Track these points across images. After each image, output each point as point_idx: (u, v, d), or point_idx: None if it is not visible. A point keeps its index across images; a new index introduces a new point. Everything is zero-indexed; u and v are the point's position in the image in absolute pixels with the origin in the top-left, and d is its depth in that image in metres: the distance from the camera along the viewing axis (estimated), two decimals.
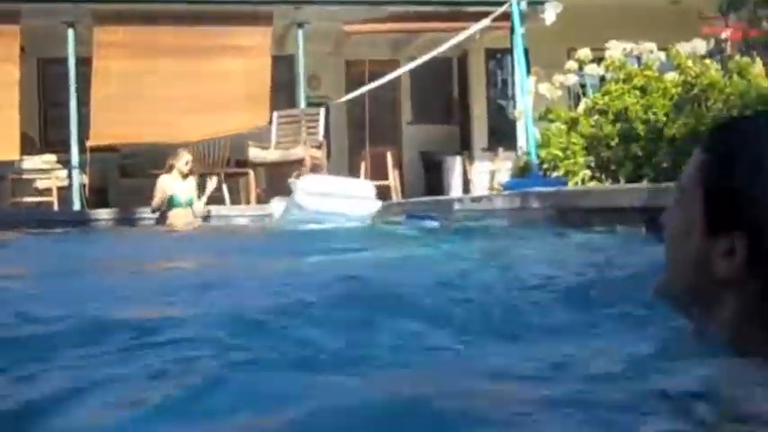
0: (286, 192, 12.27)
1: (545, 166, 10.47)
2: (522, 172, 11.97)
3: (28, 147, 12.08)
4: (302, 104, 12.62)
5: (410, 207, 11.13)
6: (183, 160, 10.17)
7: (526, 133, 12.67)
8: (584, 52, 10.15)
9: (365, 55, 14.64)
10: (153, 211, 10.24)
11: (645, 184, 7.78)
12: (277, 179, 12.41)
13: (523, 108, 12.00)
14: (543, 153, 10.43)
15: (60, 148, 12.34)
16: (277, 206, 9.88)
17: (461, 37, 12.39)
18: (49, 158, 12.00)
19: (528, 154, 11.77)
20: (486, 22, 12.37)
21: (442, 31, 13.16)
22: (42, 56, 13.51)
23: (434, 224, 7.92)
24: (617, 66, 9.29)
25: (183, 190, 10.17)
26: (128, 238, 8.60)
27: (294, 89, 14.03)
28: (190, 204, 10.18)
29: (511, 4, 12.26)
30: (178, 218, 9.99)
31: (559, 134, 9.87)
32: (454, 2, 13.10)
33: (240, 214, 10.91)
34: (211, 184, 10.43)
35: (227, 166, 12.32)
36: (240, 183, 12.60)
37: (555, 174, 10.62)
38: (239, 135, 12.06)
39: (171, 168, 10.18)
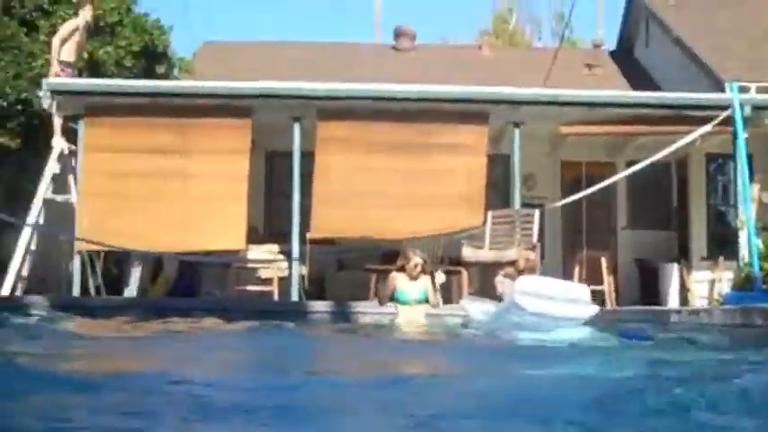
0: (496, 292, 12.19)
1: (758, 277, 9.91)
2: (744, 284, 11.38)
3: (253, 236, 12.49)
4: (517, 205, 12.52)
5: (625, 315, 10.76)
6: (413, 263, 10.33)
7: (749, 243, 12.12)
8: None
9: (581, 156, 14.47)
10: (381, 304, 10.52)
11: None
12: (489, 279, 12.33)
13: (746, 216, 11.46)
14: (767, 265, 9.89)
15: (281, 238, 12.72)
16: (471, 307, 9.79)
17: (682, 143, 12.05)
18: (271, 248, 12.36)
19: (750, 265, 11.17)
20: (708, 128, 12.00)
21: (660, 134, 12.84)
22: (269, 148, 14.08)
23: (648, 343, 7.59)
24: None
25: (414, 289, 10.34)
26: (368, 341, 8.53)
27: (508, 188, 13.99)
28: (421, 302, 10.30)
29: (734, 110, 11.87)
30: (405, 314, 10.16)
31: None
32: (675, 105, 12.73)
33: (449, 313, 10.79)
34: (439, 277, 10.54)
35: (440, 263, 12.32)
36: (453, 281, 12.55)
37: None
38: (454, 233, 12.08)
39: (401, 268, 10.41)
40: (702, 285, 14.23)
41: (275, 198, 14.70)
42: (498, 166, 13.58)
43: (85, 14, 12.90)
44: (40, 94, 12.34)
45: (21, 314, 9.26)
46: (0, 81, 13.41)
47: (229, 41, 20.93)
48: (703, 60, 15.05)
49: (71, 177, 12.53)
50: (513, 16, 31.53)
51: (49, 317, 8.50)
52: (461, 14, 62.03)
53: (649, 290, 14.21)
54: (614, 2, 45.94)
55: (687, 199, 15.19)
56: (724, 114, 11.99)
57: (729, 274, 12.58)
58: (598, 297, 10.85)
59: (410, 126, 12.45)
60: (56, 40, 12.50)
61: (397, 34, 20.78)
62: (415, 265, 10.29)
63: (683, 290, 14.16)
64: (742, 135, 11.88)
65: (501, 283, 10.61)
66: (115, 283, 12.57)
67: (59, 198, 12.43)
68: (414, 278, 10.36)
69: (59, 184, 12.49)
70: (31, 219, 11.99)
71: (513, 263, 11.53)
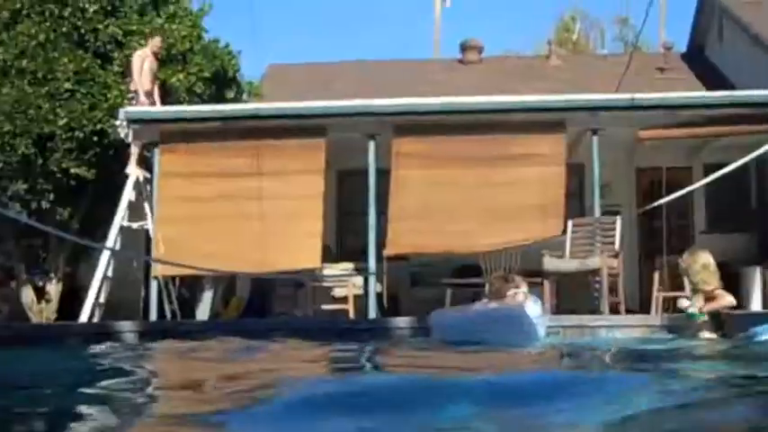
0: (578, 302, 11.97)
1: None
2: None
3: (327, 255, 12.49)
4: (596, 213, 12.31)
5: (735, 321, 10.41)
6: (511, 292, 8.92)
7: None
8: None
9: (657, 162, 14.21)
10: None
11: None
12: (572, 289, 12.13)
13: None
14: None
15: (355, 256, 12.71)
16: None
17: None
18: (346, 266, 12.35)
19: None
20: None
21: (743, 134, 12.54)
22: (341, 167, 14.10)
23: None
24: None
25: None
26: None
27: (584, 197, 13.80)
28: None
29: None
30: None
31: None
32: (757, 103, 12.41)
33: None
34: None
35: (517, 274, 12.14)
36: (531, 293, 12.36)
37: None
38: (532, 244, 11.91)
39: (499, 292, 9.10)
40: None
41: (347, 217, 14.72)
42: (573, 175, 13.40)
43: (154, 44, 13.12)
44: (116, 123, 12.55)
45: (110, 340, 9.34)
46: (76, 113, 13.65)
47: (294, 63, 21.09)
48: None
49: (146, 205, 12.69)
50: (576, 24, 31.27)
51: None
52: (521, 26, 61.92)
53: (731, 294, 13.82)
54: (676, 4, 45.33)
55: (767, 199, 14.81)
56: None
57: None
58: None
59: (485, 138, 12.34)
60: (136, 74, 12.71)
61: (464, 47, 20.70)
62: (514, 294, 8.79)
63: (766, 293, 13.79)
64: None
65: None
66: (187, 307, 12.67)
67: (135, 225, 12.60)
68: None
69: (135, 211, 12.67)
70: (108, 245, 12.16)
71: (596, 272, 11.33)
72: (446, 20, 37.51)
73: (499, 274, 10.11)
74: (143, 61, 12.86)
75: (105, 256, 12.20)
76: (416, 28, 54.25)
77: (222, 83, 15.43)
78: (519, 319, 7.90)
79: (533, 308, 8.13)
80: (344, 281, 12.11)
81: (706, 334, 8.22)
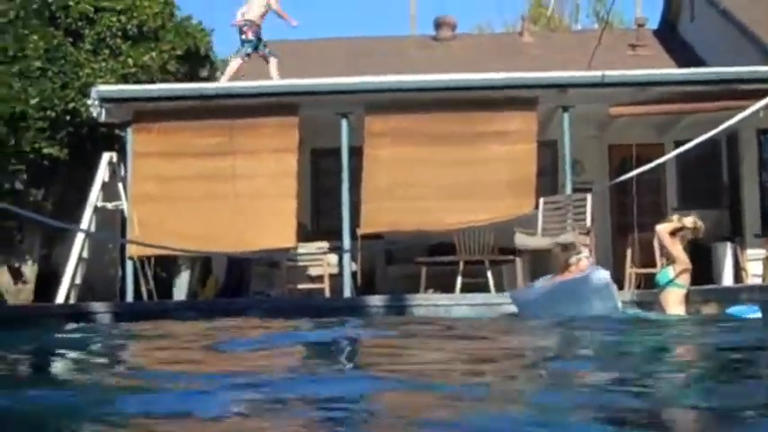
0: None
1: None
2: None
3: (301, 234, 12.52)
4: (568, 190, 12.40)
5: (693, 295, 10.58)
6: (574, 258, 8.85)
7: None
8: None
9: (628, 138, 14.29)
10: None
11: None
12: (543, 265, 12.24)
13: None
14: None
15: (330, 235, 12.74)
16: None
17: (740, 117, 11.83)
18: (321, 245, 12.39)
19: None
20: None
21: (713, 111, 12.63)
22: (315, 146, 14.10)
23: (757, 314, 7.48)
24: None
25: None
26: None
27: (556, 174, 13.88)
28: None
29: None
30: None
31: None
32: (727, 80, 12.53)
33: None
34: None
35: (491, 252, 12.26)
36: (504, 270, 12.49)
37: None
38: (504, 221, 12.00)
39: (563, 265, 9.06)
40: (756, 264, 14.05)
41: (322, 195, 14.74)
42: (545, 152, 13.47)
43: None
44: (89, 102, 12.47)
45: (84, 321, 9.37)
46: (48, 92, 13.56)
47: (269, 40, 20.95)
48: (753, 33, 14.76)
49: (120, 185, 12.66)
50: (551, 0, 31.28)
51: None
52: (495, 1, 61.79)
53: (703, 270, 14.01)
54: None
55: (739, 176, 14.97)
56: None
57: None
58: (652, 279, 10.70)
59: (458, 116, 12.39)
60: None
61: (438, 24, 20.64)
62: (578, 261, 8.87)
63: (737, 269, 13.97)
64: None
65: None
66: (164, 287, 12.69)
67: (110, 205, 12.57)
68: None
69: (109, 191, 12.64)
70: (83, 226, 12.14)
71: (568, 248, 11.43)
72: None
73: (556, 244, 10.15)
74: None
75: (80, 238, 12.19)
76: (392, 3, 54.01)
77: (195, 61, 15.38)
78: (594, 289, 8.11)
79: (601, 273, 8.33)
80: (319, 260, 12.15)
81: (676, 308, 8.35)
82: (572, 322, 7.34)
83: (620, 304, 8.49)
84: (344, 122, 12.43)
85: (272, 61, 12.96)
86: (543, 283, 9.27)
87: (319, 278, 12.04)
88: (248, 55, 12.90)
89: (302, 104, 12.42)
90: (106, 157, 12.57)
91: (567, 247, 9.28)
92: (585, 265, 8.76)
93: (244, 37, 12.82)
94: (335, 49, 19.17)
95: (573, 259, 8.81)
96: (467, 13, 47.95)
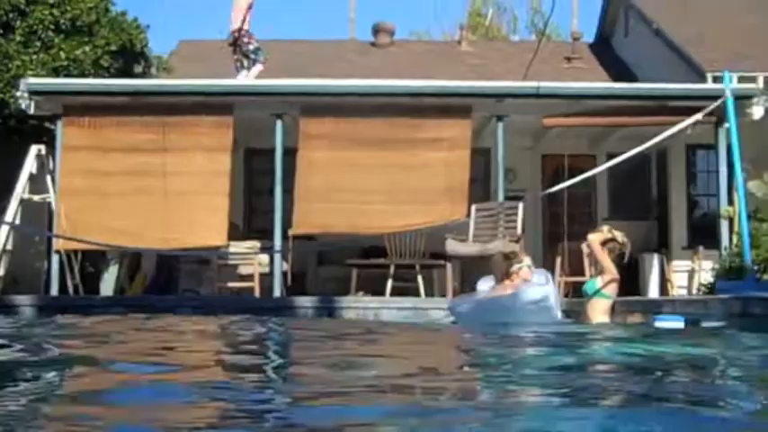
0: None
1: (754, 267, 9.94)
2: (728, 273, 11.43)
3: (233, 233, 12.44)
4: (500, 198, 12.51)
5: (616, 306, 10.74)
6: (515, 267, 8.90)
7: (733, 233, 12.15)
8: None
9: (562, 149, 14.48)
10: None
11: None
12: (473, 272, 12.32)
13: (738, 206, 11.50)
14: (753, 254, 9.93)
15: (262, 235, 12.70)
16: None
17: (669, 133, 12.09)
18: (252, 245, 12.32)
19: (740, 255, 11.22)
20: (698, 116, 12.03)
21: (644, 125, 12.87)
22: (249, 146, 14.02)
23: (681, 325, 7.57)
24: None
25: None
26: None
27: (489, 182, 14.02)
28: None
29: (725, 99, 11.92)
30: None
31: None
32: (659, 96, 12.76)
33: None
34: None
35: (422, 257, 12.31)
36: (435, 275, 12.55)
37: (767, 277, 10.07)
38: (436, 226, 12.06)
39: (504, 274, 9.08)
40: (682, 275, 14.35)
41: (255, 195, 14.69)
42: (479, 160, 13.59)
43: None
44: (18, 94, 12.24)
45: (5, 314, 9.17)
46: None
47: (206, 40, 20.80)
48: (684, 51, 15.09)
49: (48, 178, 12.45)
50: (489, 10, 31.60)
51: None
52: (434, 10, 62.30)
53: (630, 280, 14.25)
54: None
55: (668, 189, 15.28)
56: (715, 104, 12.01)
57: (709, 264, 12.66)
58: (580, 288, 10.85)
59: (393, 121, 12.42)
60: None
61: (376, 30, 20.71)
62: (519, 269, 8.87)
63: (664, 280, 14.25)
64: (734, 124, 11.90)
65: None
66: (92, 281, 12.49)
67: (37, 197, 12.35)
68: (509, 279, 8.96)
69: (37, 184, 12.42)
70: (7, 218, 11.91)
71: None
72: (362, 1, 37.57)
73: (498, 253, 10.16)
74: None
75: (4, 230, 11.95)
76: (333, 7, 54.06)
77: (130, 57, 15.17)
78: (523, 305, 8.15)
79: (531, 290, 8.34)
80: (250, 259, 12.08)
81: (601, 318, 8.46)
82: (499, 334, 7.30)
83: (558, 314, 8.54)
84: (279, 123, 12.39)
85: (257, 68, 12.94)
86: (484, 285, 9.34)
87: (249, 277, 11.96)
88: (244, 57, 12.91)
89: (237, 104, 12.35)
90: (34, 149, 12.34)
91: (509, 256, 9.32)
92: (528, 274, 8.81)
93: (252, 47, 12.89)
94: (274, 51, 19.07)
95: (515, 267, 8.85)
96: (405, 21, 48.26)
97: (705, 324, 7.55)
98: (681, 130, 12.28)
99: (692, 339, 6.35)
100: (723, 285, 9.53)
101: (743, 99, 12.33)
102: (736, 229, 11.71)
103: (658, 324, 7.73)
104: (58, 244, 11.82)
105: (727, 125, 12.05)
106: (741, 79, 13.05)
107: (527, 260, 9.03)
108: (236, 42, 12.87)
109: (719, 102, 11.80)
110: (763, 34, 16.09)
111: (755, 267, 9.64)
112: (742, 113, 12.44)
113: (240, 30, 12.80)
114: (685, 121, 12.14)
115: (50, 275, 11.89)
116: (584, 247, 9.29)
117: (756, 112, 12.60)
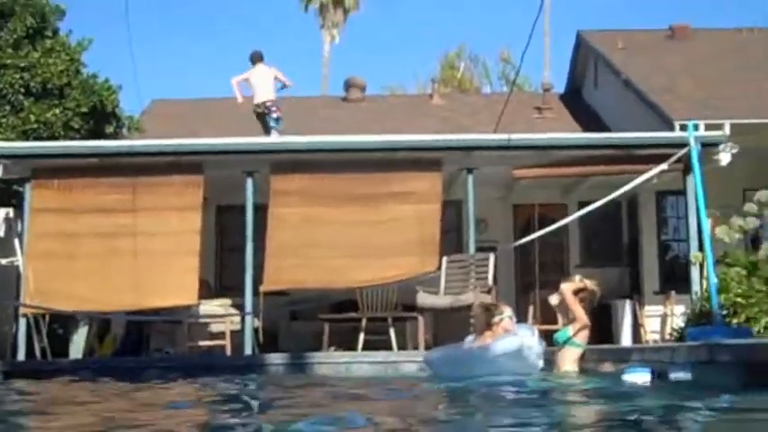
0: (454, 338, 12.12)
1: (723, 312, 9.95)
2: (699, 318, 11.47)
3: (205, 291, 12.39)
4: (471, 249, 12.54)
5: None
6: (497, 319, 8.68)
7: (702, 278, 12.21)
8: (765, 194, 9.79)
9: (533, 199, 14.58)
10: None
11: None
12: (446, 325, 12.29)
13: (704, 251, 11.57)
14: (721, 298, 9.94)
15: (233, 292, 12.66)
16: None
17: (637, 182, 12.19)
18: (223, 302, 12.28)
19: (708, 300, 11.26)
20: (664, 166, 12.15)
21: (613, 174, 12.97)
22: (220, 203, 14.04)
23: (648, 377, 7.47)
24: None
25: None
26: None
27: (461, 233, 14.05)
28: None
29: (690, 147, 12.05)
30: None
31: (739, 279, 9.42)
32: (626, 145, 12.86)
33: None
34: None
35: (394, 309, 12.28)
36: (407, 327, 12.51)
37: (735, 321, 10.05)
38: (408, 279, 12.07)
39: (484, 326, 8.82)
40: (655, 320, 14.40)
41: (227, 252, 14.67)
42: (450, 212, 13.64)
43: None
44: None
45: None
46: None
47: (177, 99, 20.95)
48: (652, 101, 15.28)
49: (16, 240, 12.40)
50: (461, 62, 31.94)
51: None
52: (407, 64, 62.91)
53: (603, 327, 14.26)
54: (560, 44, 46.76)
55: (638, 235, 15.39)
56: (681, 152, 12.13)
57: (681, 309, 12.71)
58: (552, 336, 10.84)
59: (363, 176, 12.46)
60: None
61: (348, 86, 20.91)
62: (501, 320, 8.68)
63: (636, 326, 14.28)
64: (699, 172, 12.03)
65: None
66: (61, 343, 12.37)
67: (4, 261, 12.29)
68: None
69: (4, 247, 12.36)
70: None
71: (469, 307, 11.48)
72: (335, 56, 37.84)
73: (478, 305, 10.08)
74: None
75: None
76: (306, 64, 54.52)
77: (101, 117, 15.22)
78: (495, 357, 8.08)
79: (516, 339, 8.26)
80: (222, 317, 12.02)
81: (570, 366, 8.44)
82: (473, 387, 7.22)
83: (540, 363, 8.42)
84: (249, 181, 12.40)
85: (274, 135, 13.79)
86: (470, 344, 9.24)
87: (221, 335, 11.90)
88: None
89: (207, 163, 12.37)
90: (2, 212, 12.31)
91: (489, 308, 9.26)
92: (509, 325, 8.74)
93: (275, 116, 14.00)
94: (245, 107, 19.21)
95: (495, 319, 8.77)
96: (381, 74, 48.70)
97: (672, 375, 7.49)
98: (648, 179, 12.39)
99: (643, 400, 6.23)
100: (693, 332, 9.52)
101: (710, 146, 12.46)
102: (705, 274, 11.77)
103: (626, 377, 7.67)
104: (26, 309, 11.72)
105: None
106: (708, 126, 13.20)
107: (508, 311, 8.96)
108: (263, 112, 14.00)
109: (686, 150, 11.91)
110: (729, 82, 16.35)
111: (723, 312, 9.65)
112: (709, 160, 12.58)
113: (269, 101, 13.96)
114: (653, 169, 12.25)
115: (17, 339, 11.76)
116: (551, 299, 9.24)
117: (723, 158, 12.73)
